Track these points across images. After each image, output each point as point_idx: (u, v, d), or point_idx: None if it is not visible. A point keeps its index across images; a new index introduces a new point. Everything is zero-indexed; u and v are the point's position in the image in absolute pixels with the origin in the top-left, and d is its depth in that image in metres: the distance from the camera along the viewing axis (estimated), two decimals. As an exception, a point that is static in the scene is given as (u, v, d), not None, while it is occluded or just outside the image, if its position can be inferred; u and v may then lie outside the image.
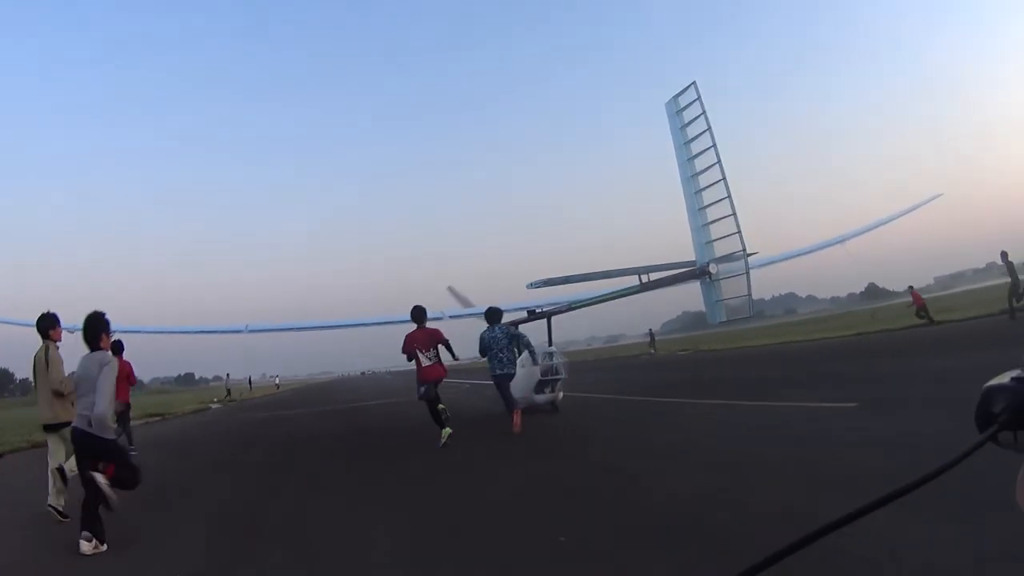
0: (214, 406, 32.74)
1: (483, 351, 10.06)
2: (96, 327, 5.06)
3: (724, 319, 10.74)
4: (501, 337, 9.95)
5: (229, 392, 42.11)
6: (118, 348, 10.04)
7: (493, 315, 10.25)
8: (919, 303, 23.70)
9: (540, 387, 11.38)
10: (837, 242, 20.03)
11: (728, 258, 10.35)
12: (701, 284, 10.72)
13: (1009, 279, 17.13)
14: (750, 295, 10.31)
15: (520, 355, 10.82)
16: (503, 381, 9.77)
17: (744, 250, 10.19)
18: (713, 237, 10.45)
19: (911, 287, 25.35)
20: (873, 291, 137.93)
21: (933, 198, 21.61)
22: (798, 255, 20.02)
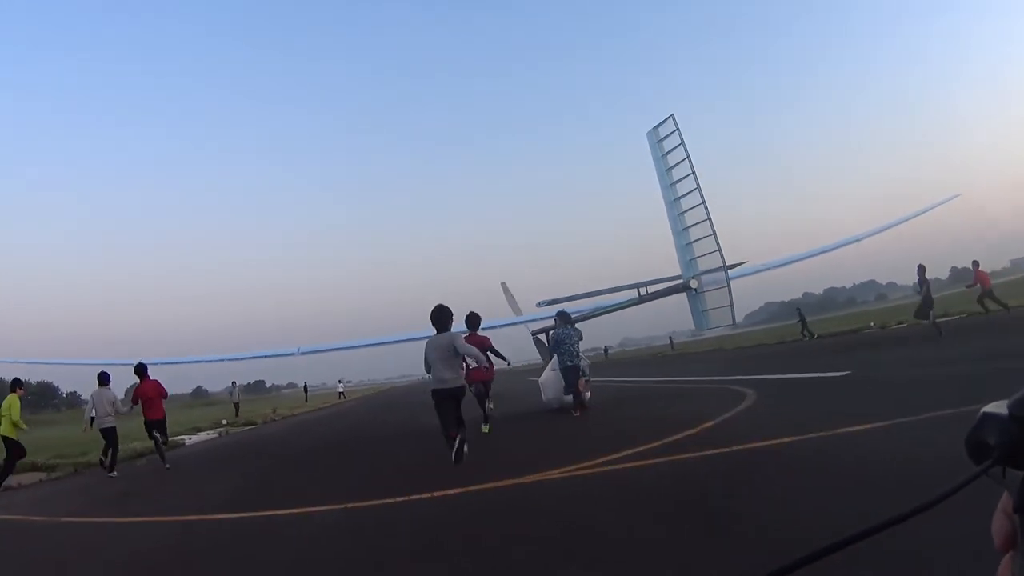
0: (192, 440, 18.61)
1: (556, 346, 11.48)
2: None
3: (710, 327, 11.93)
4: (573, 334, 11.48)
5: (237, 409, 29.66)
6: (142, 370, 11.13)
7: (565, 317, 11.87)
8: (985, 284, 17.95)
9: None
10: (852, 241, 20.55)
11: (711, 272, 11.59)
12: (687, 296, 11.97)
13: (921, 295, 16.14)
14: (731, 305, 11.52)
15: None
16: (572, 372, 11.21)
17: (724, 264, 11.44)
18: (696, 254, 11.72)
19: (976, 262, 18.42)
20: (959, 274, 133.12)
21: (951, 198, 21.89)
22: (814, 255, 20.63)
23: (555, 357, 12.27)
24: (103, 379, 11.37)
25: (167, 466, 10.75)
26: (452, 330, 7.10)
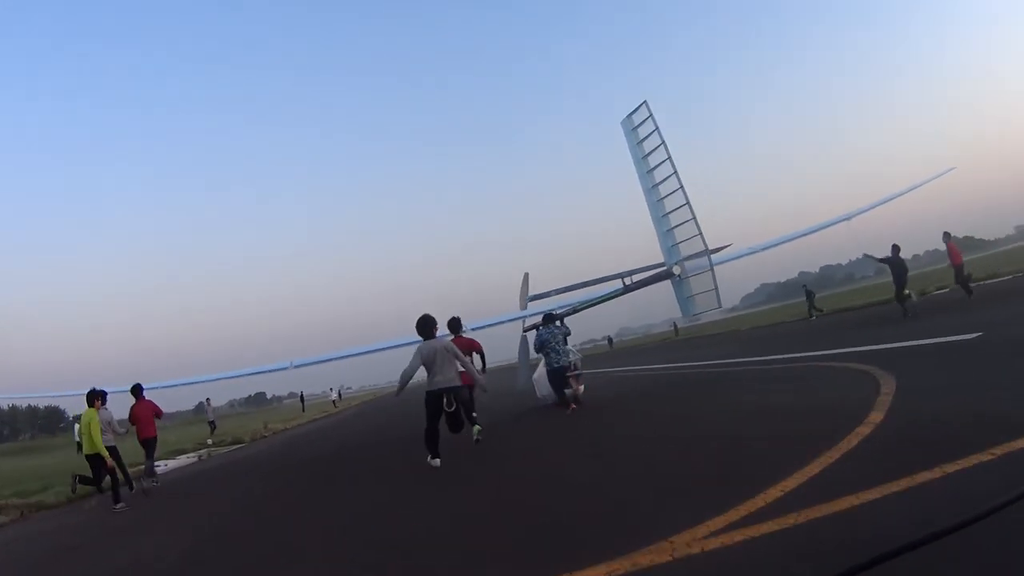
0: (167, 466, 16.55)
1: (541, 346, 11.51)
2: None
3: (696, 312, 11.75)
4: (557, 333, 11.51)
5: (213, 427, 27.29)
6: (138, 391, 11.24)
7: (550, 317, 12.01)
8: (957, 261, 16.35)
9: (565, 383, 12.15)
10: (843, 219, 20.32)
11: (694, 257, 11.40)
12: (672, 283, 11.77)
13: (893, 274, 15.65)
14: (716, 288, 11.32)
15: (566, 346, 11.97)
16: (561, 372, 11.24)
17: (707, 249, 11.25)
18: (678, 240, 11.54)
19: (947, 234, 16.45)
20: (962, 245, 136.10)
21: (946, 172, 21.72)
22: (803, 235, 20.40)
23: (542, 357, 12.19)
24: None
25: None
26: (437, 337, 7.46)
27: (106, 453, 9.81)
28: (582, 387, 12.48)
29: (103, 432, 11.02)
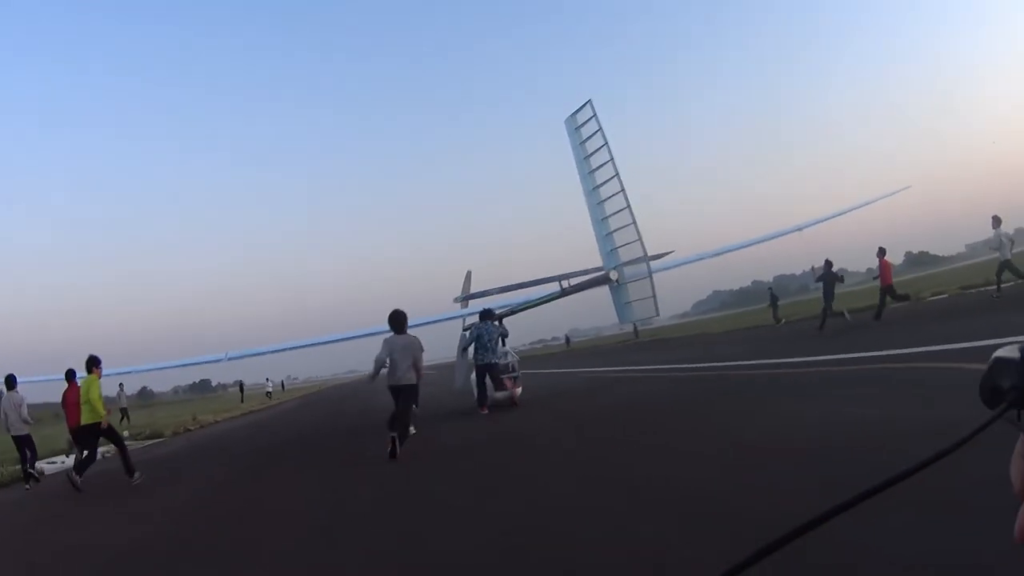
0: (62, 464, 13.41)
1: (473, 342, 11.57)
2: None
3: (633, 319, 11.43)
4: (493, 332, 11.53)
5: (126, 416, 27.28)
6: (71, 375, 10.08)
7: (488, 313, 12.02)
8: (887, 280, 15.88)
9: (500, 384, 11.85)
10: (794, 230, 20.43)
11: (633, 263, 11.03)
12: (609, 288, 11.39)
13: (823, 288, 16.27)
14: (654, 296, 10.96)
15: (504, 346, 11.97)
16: (489, 369, 11.36)
17: (646, 254, 10.88)
18: (617, 244, 11.15)
19: (882, 250, 15.92)
20: (917, 259, 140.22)
21: (901, 190, 22.08)
22: (753, 244, 20.44)
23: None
24: (10, 382, 10.62)
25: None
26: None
27: (105, 416, 9.01)
28: (519, 389, 12.14)
29: (18, 419, 10.41)
